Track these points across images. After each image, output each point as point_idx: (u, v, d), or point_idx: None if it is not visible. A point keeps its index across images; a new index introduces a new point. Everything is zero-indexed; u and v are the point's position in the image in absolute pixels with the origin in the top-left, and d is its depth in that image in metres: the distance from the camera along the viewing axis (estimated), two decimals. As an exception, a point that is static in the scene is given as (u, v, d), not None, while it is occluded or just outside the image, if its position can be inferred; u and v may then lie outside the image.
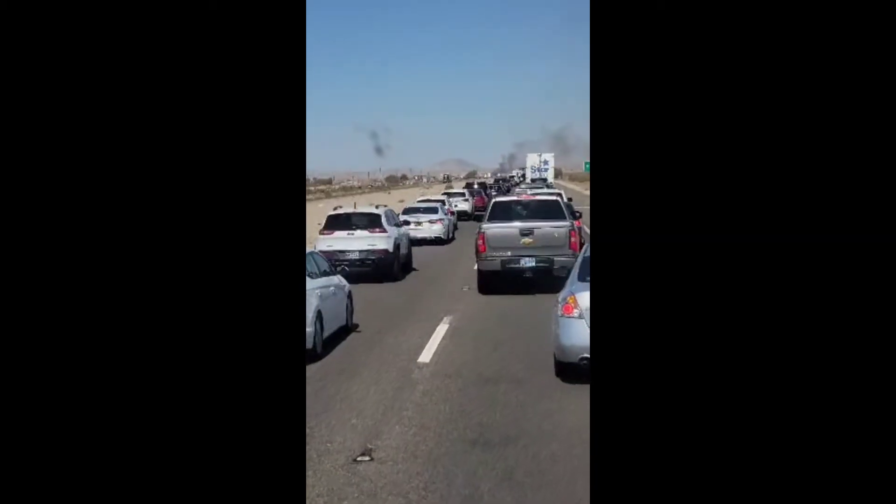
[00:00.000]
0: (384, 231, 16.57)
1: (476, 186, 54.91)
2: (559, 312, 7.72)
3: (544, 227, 13.96)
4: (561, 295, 7.97)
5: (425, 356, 9.74)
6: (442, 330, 11.38)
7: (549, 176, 68.81)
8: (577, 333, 7.47)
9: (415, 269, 18.45)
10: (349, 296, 11.24)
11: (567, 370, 7.94)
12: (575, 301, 7.60)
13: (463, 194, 40.38)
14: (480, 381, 8.42)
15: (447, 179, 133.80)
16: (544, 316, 11.33)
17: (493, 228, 14.16)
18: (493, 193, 47.73)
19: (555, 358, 8.11)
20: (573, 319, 7.56)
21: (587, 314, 7.37)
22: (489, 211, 14.96)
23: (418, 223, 23.79)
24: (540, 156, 72.46)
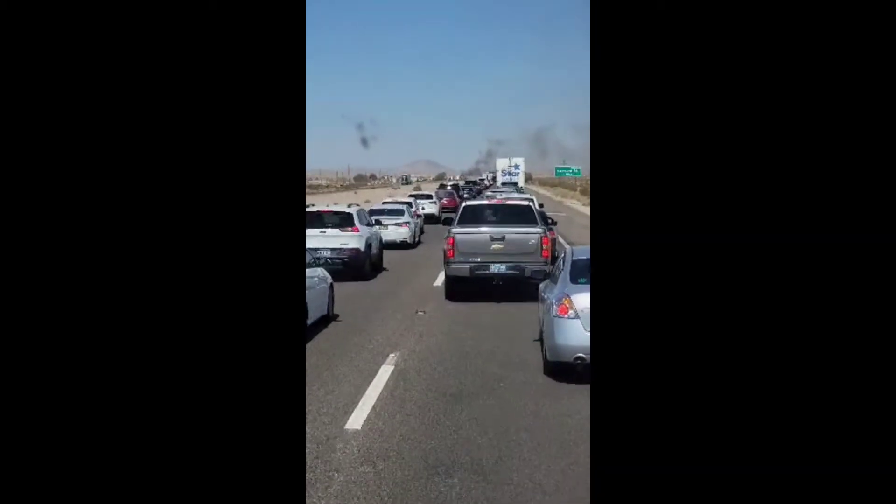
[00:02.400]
0: (356, 230, 16.27)
1: (449, 188, 54.26)
2: (554, 313, 7.69)
3: (516, 233, 13.35)
4: (554, 296, 7.92)
5: (356, 419, 6.89)
6: (384, 375, 8.55)
7: (520, 180, 67.82)
8: (573, 333, 7.55)
9: (385, 269, 18.07)
10: (331, 287, 11.61)
11: (558, 370, 7.83)
12: (570, 302, 7.66)
13: (430, 196, 39.35)
14: (427, 468, 5.67)
15: (407, 181, 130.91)
16: (520, 351, 9.34)
17: (462, 233, 13.52)
18: (466, 196, 46.91)
19: (545, 358, 8.10)
20: (568, 320, 7.61)
21: (582, 315, 7.51)
22: (459, 215, 14.30)
23: (383, 226, 22.12)
24: (510, 160, 71.42)
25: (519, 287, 13.39)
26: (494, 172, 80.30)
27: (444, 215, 35.77)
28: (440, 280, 15.32)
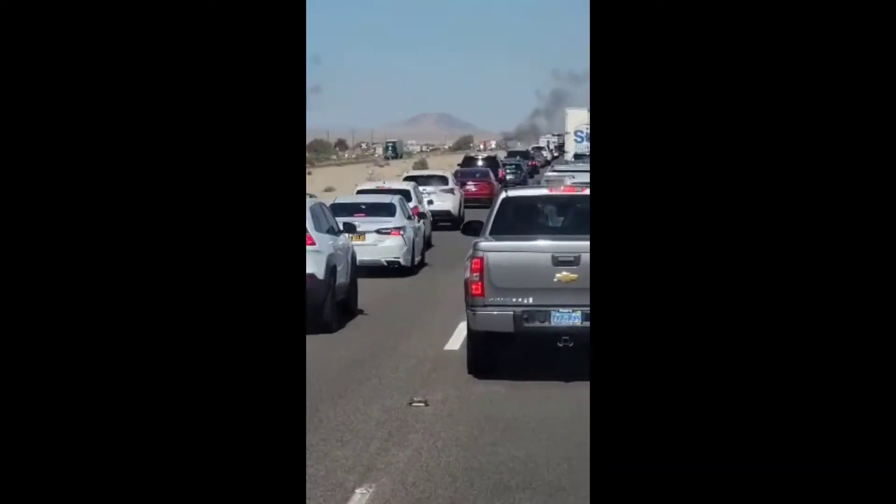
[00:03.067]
0: (310, 242, 16.61)
1: (480, 163, 54.71)
2: None
3: None
4: None
5: None
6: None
7: None
8: None
9: (361, 313, 18.84)
10: None
11: None
12: None
13: (444, 179, 39.96)
14: None
15: (395, 153, 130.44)
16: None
17: (500, 251, 13.49)
18: (509, 178, 46.47)
19: None
20: None
21: None
22: (493, 214, 14.50)
23: (358, 234, 22.73)
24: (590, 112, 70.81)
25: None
26: (562, 135, 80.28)
27: (468, 215, 35.75)
28: (458, 338, 15.31)
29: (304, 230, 15.79)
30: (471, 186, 43.34)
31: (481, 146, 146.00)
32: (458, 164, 56.51)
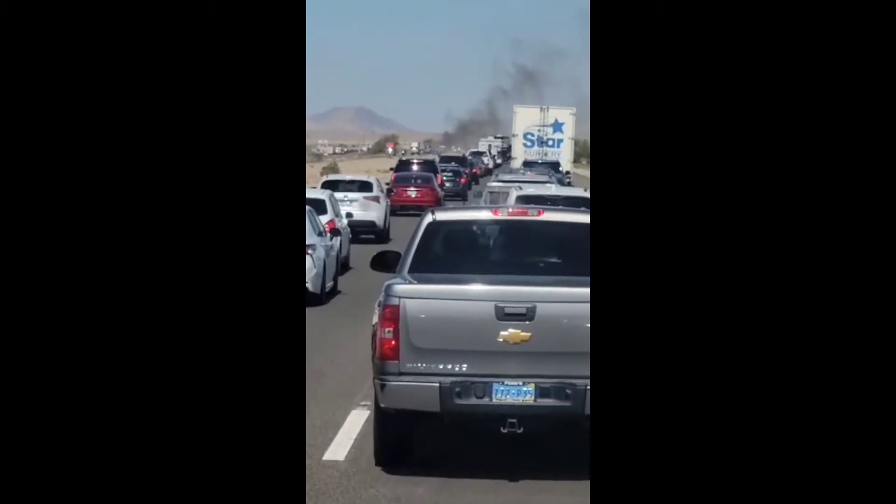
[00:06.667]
0: None
1: (414, 168, 56.16)
2: None
3: (561, 298, 12.41)
4: None
5: None
6: None
7: (564, 157, 66.54)
8: None
9: None
10: None
11: None
12: None
13: (367, 186, 40.81)
14: None
15: None
16: None
17: (422, 297, 12.31)
18: (447, 184, 46.83)
19: None
20: None
21: None
22: (415, 243, 13.30)
23: None
24: (544, 111, 69.64)
25: (566, 441, 12.11)
26: (507, 138, 79.58)
27: (406, 225, 36.05)
28: (349, 432, 13.49)
29: (304, 230, 17.42)
30: (411, 192, 43.57)
31: (389, 149, 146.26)
32: (391, 169, 56.75)
